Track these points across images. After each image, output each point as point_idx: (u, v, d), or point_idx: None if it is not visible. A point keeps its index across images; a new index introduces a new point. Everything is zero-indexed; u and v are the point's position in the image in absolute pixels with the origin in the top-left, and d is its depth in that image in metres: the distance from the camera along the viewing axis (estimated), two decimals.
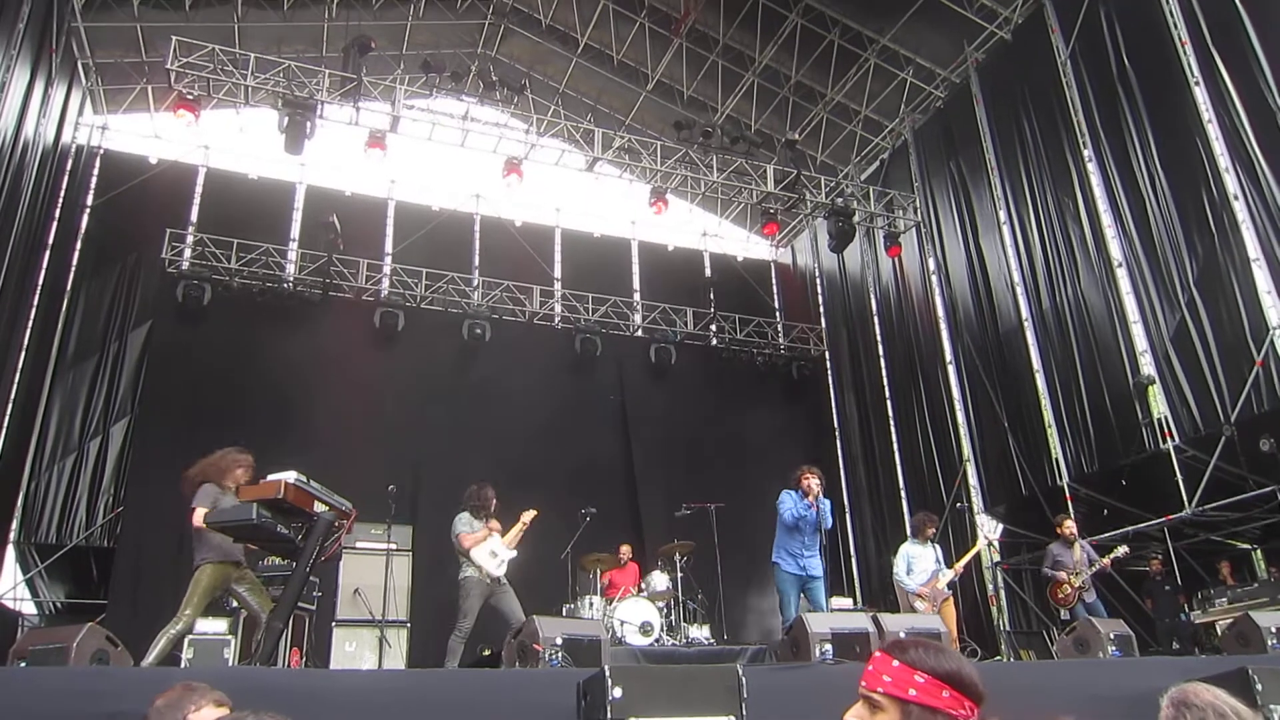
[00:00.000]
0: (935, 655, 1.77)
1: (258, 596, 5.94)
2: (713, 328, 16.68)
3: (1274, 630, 6.15)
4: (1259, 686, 4.03)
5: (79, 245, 13.96)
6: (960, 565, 9.06)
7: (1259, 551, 11.87)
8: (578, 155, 13.92)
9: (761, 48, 15.70)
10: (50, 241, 13.38)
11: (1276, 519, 9.40)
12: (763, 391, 16.44)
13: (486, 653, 9.47)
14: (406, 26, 15.68)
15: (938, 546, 9.17)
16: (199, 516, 5.64)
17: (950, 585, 8.87)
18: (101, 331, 13.51)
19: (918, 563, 8.90)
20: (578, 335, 15.27)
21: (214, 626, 7.58)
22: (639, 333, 16.30)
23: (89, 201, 14.33)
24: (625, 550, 10.99)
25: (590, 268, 16.84)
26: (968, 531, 12.81)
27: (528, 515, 8.09)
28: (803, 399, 16.92)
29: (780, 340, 17.37)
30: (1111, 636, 6.52)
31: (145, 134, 15.33)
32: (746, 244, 19.30)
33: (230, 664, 7.21)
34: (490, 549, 7.66)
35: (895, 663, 1.77)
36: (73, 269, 13.77)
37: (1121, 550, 9.13)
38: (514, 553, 7.83)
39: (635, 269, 17.62)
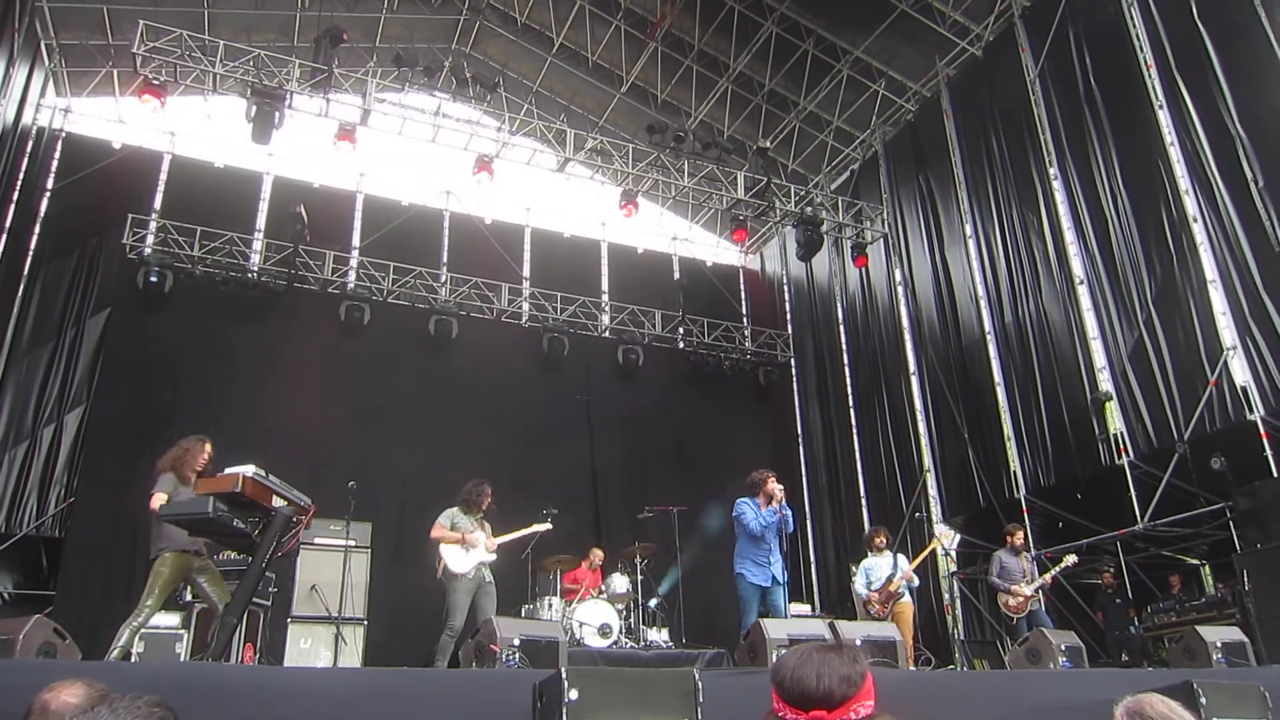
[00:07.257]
0: (779, 661, 1.96)
1: (217, 588, 5.85)
2: (680, 331, 16.71)
3: (1219, 645, 6.30)
4: (1203, 700, 4.10)
5: (38, 229, 13.63)
6: (911, 567, 9.25)
7: (1207, 567, 12.12)
8: (549, 155, 13.86)
9: (736, 54, 15.79)
10: (8, 224, 13.02)
11: (1225, 535, 9.60)
12: (728, 396, 16.49)
13: None
14: (380, 19, 15.54)
15: (895, 555, 9.35)
16: (156, 501, 5.55)
17: (907, 587, 9.03)
18: (59, 317, 13.21)
19: (874, 572, 9.13)
20: (545, 334, 15.22)
21: (166, 620, 7.43)
22: (607, 333, 16.29)
23: (49, 185, 13.98)
24: (598, 554, 10.98)
25: (559, 267, 16.78)
26: (925, 541, 12.93)
27: (539, 527, 8.46)
28: (768, 405, 17.01)
29: (747, 345, 17.43)
30: (1063, 648, 6.63)
31: (109, 118, 15.05)
32: (716, 249, 19.36)
33: (182, 659, 7.08)
34: (460, 549, 7.70)
35: None
36: (30, 253, 13.42)
37: (1070, 559, 9.29)
38: (492, 556, 7.88)
39: (604, 270, 17.61)
